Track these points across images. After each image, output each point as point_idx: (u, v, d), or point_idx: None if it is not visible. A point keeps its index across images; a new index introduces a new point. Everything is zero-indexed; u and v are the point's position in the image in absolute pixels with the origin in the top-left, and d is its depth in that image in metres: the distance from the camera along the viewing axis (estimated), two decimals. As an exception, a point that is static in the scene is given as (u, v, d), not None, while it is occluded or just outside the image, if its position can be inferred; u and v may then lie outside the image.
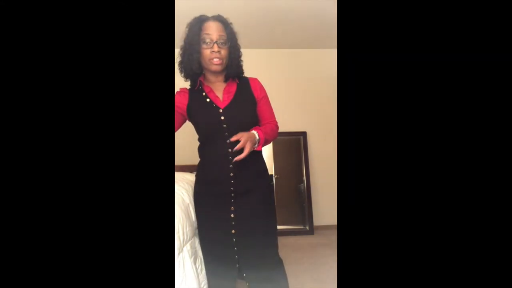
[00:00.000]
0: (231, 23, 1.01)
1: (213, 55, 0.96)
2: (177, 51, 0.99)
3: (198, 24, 0.97)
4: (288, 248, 2.45)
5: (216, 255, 1.04)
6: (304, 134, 3.16)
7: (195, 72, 1.01)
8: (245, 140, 0.92)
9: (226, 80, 1.04)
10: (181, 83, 1.03)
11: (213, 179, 1.02)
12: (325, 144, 3.15)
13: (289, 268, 1.13)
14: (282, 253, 1.10)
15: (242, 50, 1.05)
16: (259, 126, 1.06)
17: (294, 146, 3.17)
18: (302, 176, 3.11)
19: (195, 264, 1.05)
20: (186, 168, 2.10)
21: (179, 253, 0.96)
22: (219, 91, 1.03)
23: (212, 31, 0.96)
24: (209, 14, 1.01)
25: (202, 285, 1.06)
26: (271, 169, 3.03)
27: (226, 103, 1.01)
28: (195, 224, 1.13)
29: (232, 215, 1.01)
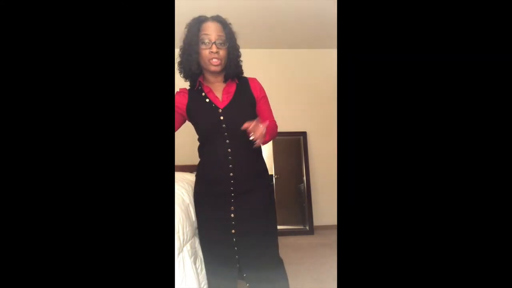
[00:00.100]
0: (230, 24, 1.01)
1: (211, 56, 0.96)
2: (177, 51, 0.99)
3: (197, 24, 0.97)
4: (288, 248, 2.45)
5: (216, 255, 1.04)
6: (304, 134, 3.16)
7: (194, 73, 1.01)
8: (254, 124, 0.90)
9: (225, 80, 1.04)
10: (180, 83, 1.03)
11: (213, 179, 1.02)
12: (325, 144, 3.15)
13: (289, 268, 1.13)
14: (282, 253, 1.10)
15: (242, 50, 1.05)
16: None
17: (294, 146, 3.17)
18: (302, 176, 3.11)
19: (195, 264, 1.05)
20: (186, 168, 2.10)
21: (179, 253, 0.96)
22: (219, 91, 1.03)
23: (211, 31, 0.96)
24: (209, 14, 1.01)
25: (202, 285, 1.06)
26: (271, 169, 3.03)
27: (226, 103, 1.01)
28: (195, 224, 1.13)
29: (232, 215, 1.01)
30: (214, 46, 0.95)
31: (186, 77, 1.04)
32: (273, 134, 1.07)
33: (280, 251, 1.09)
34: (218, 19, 0.99)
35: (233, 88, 1.04)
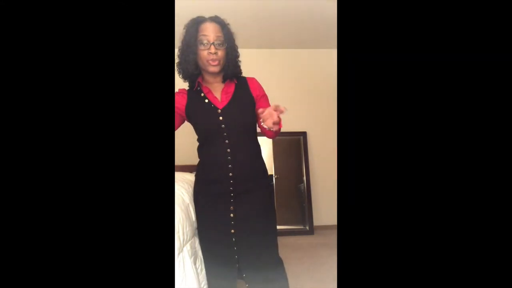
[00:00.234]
0: (228, 24, 1.01)
1: (210, 57, 0.96)
2: (176, 51, 0.99)
3: (195, 25, 0.97)
4: (288, 248, 2.45)
5: (216, 255, 1.04)
6: (304, 134, 3.16)
7: (192, 73, 1.01)
8: (269, 110, 0.87)
9: (224, 80, 1.04)
10: (180, 84, 1.03)
11: (212, 179, 1.02)
12: (325, 144, 3.15)
13: (289, 268, 1.13)
14: (282, 253, 1.10)
15: (242, 50, 1.05)
16: (259, 124, 1.06)
17: (294, 146, 3.17)
18: (302, 176, 3.11)
19: (195, 264, 1.05)
20: (186, 168, 2.10)
21: (179, 253, 0.96)
22: (218, 92, 1.03)
23: (209, 32, 0.96)
24: (209, 14, 1.01)
25: (202, 285, 1.06)
26: (271, 169, 3.03)
27: (225, 103, 1.01)
28: (195, 224, 1.13)
29: (231, 215, 1.01)
30: (212, 46, 0.95)
31: (185, 77, 1.04)
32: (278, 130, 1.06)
33: (280, 251, 1.09)
34: (216, 20, 0.99)
35: (232, 88, 1.04)
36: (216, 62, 0.97)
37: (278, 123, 0.87)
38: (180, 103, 1.03)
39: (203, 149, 1.06)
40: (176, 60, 1.02)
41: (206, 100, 1.01)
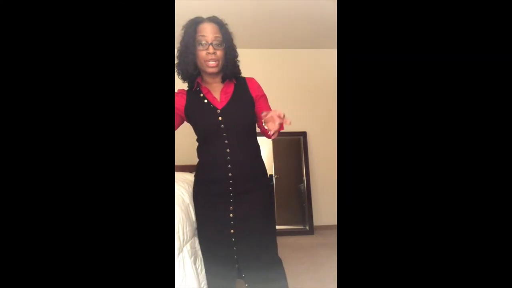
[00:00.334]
0: (226, 24, 1.01)
1: (208, 57, 0.96)
2: (175, 52, 0.99)
3: (193, 26, 0.97)
4: (288, 248, 2.45)
5: (215, 255, 1.04)
6: (304, 134, 3.16)
7: (191, 74, 1.01)
8: (272, 113, 0.85)
9: (223, 81, 1.04)
10: (179, 84, 1.03)
11: (212, 179, 1.02)
12: (325, 144, 3.15)
13: (289, 268, 1.13)
14: (282, 253, 1.10)
15: (242, 50, 1.05)
16: (258, 125, 1.06)
17: (294, 146, 3.17)
18: (302, 176, 3.11)
19: (195, 264, 1.05)
20: (186, 168, 2.10)
21: (179, 253, 0.96)
22: (217, 92, 1.03)
23: (207, 32, 0.96)
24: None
25: (202, 285, 1.06)
26: (271, 169, 3.03)
27: (224, 103, 1.01)
28: (195, 224, 1.13)
29: (231, 215, 1.01)
30: (211, 47, 0.95)
31: (184, 78, 1.04)
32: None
33: (280, 251, 1.09)
34: (214, 20, 0.99)
35: (231, 88, 1.04)
36: (215, 63, 0.97)
37: (278, 130, 0.87)
38: (179, 103, 1.03)
39: (202, 149, 1.06)
40: (175, 61, 1.02)
41: (205, 101, 1.01)
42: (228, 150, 0.99)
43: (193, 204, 1.13)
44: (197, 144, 1.08)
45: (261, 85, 1.11)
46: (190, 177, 1.40)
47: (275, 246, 1.07)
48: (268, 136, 1.03)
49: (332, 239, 2.67)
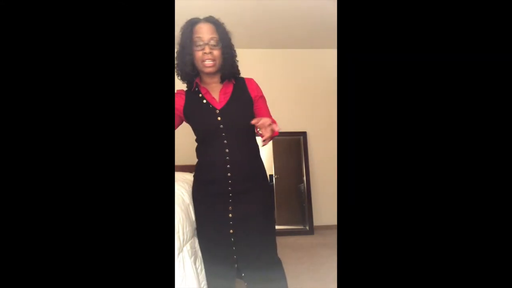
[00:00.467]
0: (223, 23, 1.01)
1: (205, 57, 0.96)
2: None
3: (189, 27, 0.98)
4: (288, 248, 2.45)
5: (215, 255, 1.04)
6: (304, 134, 3.16)
7: (189, 74, 1.01)
8: (263, 121, 0.90)
9: (222, 81, 1.04)
10: (178, 85, 1.04)
11: (211, 179, 1.02)
12: (325, 144, 3.15)
13: (289, 268, 1.13)
14: (282, 253, 1.10)
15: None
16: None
17: (294, 146, 3.17)
18: (302, 176, 3.11)
19: (195, 264, 1.05)
20: (186, 168, 2.10)
21: (179, 253, 0.96)
22: (216, 92, 1.03)
23: (203, 33, 0.96)
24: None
25: (202, 285, 1.06)
26: (271, 169, 3.03)
27: (223, 104, 1.01)
28: (195, 224, 1.13)
29: (230, 215, 1.01)
30: (207, 47, 0.96)
31: (183, 79, 1.04)
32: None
33: (280, 251, 1.09)
34: (210, 20, 0.99)
35: (230, 88, 1.04)
36: (211, 63, 0.97)
37: (270, 136, 0.91)
38: (178, 104, 1.04)
39: (201, 150, 1.06)
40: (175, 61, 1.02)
41: (204, 101, 1.01)
42: (227, 150, 0.99)
43: (193, 204, 1.13)
44: (196, 144, 1.08)
45: (261, 85, 1.11)
46: (190, 177, 1.40)
47: (274, 246, 1.07)
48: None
49: (332, 239, 2.67)
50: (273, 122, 1.05)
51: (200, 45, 0.96)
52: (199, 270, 1.08)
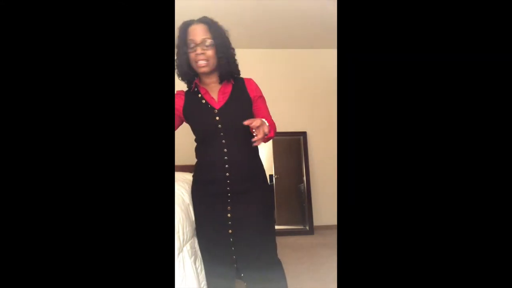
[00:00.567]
0: (217, 22, 1.01)
1: (198, 58, 0.97)
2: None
3: (184, 28, 0.99)
4: (288, 248, 2.45)
5: (214, 255, 1.04)
6: (304, 134, 3.16)
7: (187, 74, 1.02)
8: (257, 122, 0.90)
9: (221, 81, 1.04)
10: (179, 85, 1.04)
11: (209, 179, 1.02)
12: (325, 144, 3.15)
13: (289, 268, 1.13)
14: (282, 253, 1.10)
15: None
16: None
17: (294, 146, 3.17)
18: (302, 176, 3.11)
19: (195, 264, 1.05)
20: (186, 168, 2.09)
21: (179, 253, 0.96)
22: (215, 92, 1.04)
23: (195, 35, 0.97)
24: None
25: (202, 285, 1.06)
26: (271, 169, 3.03)
27: (221, 103, 1.01)
28: (195, 224, 1.13)
29: (229, 215, 1.01)
30: (198, 48, 0.96)
31: (182, 79, 1.05)
32: (274, 130, 1.07)
33: (280, 251, 1.09)
34: (203, 21, 0.99)
35: (229, 88, 1.04)
36: (204, 63, 0.97)
37: (268, 132, 0.92)
38: (178, 104, 1.04)
39: (200, 150, 1.06)
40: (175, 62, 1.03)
41: (203, 101, 1.02)
42: (225, 150, 0.99)
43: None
44: (196, 144, 1.08)
45: (261, 85, 1.11)
46: (190, 177, 1.40)
47: (274, 246, 1.07)
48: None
49: (332, 239, 2.67)
50: (270, 123, 1.06)
51: (192, 47, 0.97)
52: (199, 270, 1.08)
